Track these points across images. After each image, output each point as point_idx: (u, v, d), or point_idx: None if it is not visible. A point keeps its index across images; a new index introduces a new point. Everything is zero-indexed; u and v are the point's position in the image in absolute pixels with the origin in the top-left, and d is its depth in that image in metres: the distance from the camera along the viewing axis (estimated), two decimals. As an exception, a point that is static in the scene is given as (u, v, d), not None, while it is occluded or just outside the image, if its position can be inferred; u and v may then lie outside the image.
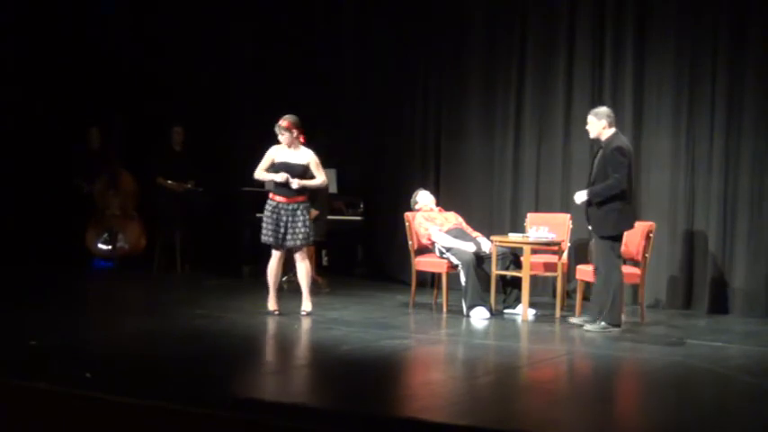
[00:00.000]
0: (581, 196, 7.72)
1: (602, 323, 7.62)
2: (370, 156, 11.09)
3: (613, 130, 7.75)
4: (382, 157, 11.02)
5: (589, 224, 7.83)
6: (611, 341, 7.47)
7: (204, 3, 11.79)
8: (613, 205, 7.58)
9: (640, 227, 8.39)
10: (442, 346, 7.42)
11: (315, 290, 8.82)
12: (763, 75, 8.82)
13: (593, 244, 7.88)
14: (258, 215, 10.48)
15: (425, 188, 9.51)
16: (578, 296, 8.41)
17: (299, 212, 7.95)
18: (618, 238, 7.70)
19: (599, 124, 7.74)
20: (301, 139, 8.06)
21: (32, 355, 6.20)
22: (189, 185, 11.08)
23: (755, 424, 5.17)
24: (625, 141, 7.85)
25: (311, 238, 8.08)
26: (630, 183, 7.74)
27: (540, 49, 9.95)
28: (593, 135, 7.85)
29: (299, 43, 11.32)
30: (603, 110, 7.85)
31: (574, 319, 8.02)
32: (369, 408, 5.18)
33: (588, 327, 7.69)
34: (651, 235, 8.21)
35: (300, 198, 8.00)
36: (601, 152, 7.72)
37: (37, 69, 11.58)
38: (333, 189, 10.59)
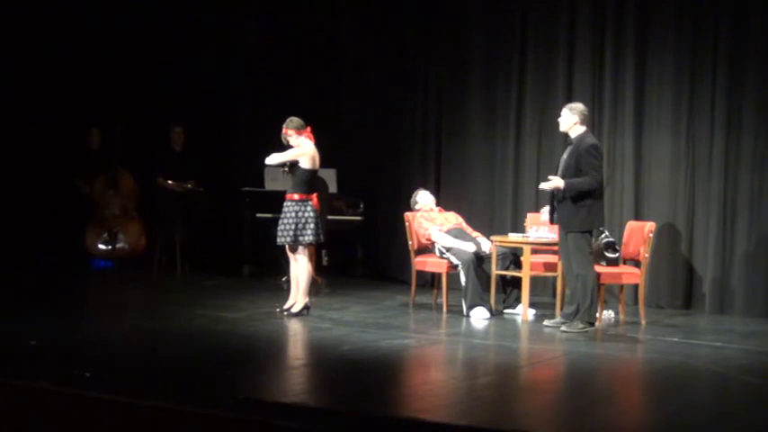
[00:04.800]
0: (556, 181, 7.64)
1: (580, 324, 7.61)
2: (370, 156, 11.09)
3: (584, 128, 7.77)
4: (382, 157, 11.02)
5: (553, 222, 7.85)
6: (611, 341, 7.48)
7: (204, 3, 11.79)
8: (584, 201, 7.59)
9: (640, 227, 8.41)
10: (442, 346, 7.42)
11: (315, 290, 8.83)
12: (764, 74, 8.82)
13: (562, 243, 7.85)
14: (258, 215, 10.54)
15: (425, 188, 9.52)
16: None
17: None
18: (587, 235, 7.71)
19: (571, 119, 7.75)
20: (306, 136, 8.07)
21: (32, 355, 6.20)
22: (189, 185, 11.08)
23: (755, 424, 5.16)
24: (596, 140, 7.91)
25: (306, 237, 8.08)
26: (602, 182, 7.78)
27: (540, 49, 9.95)
28: (563, 129, 7.85)
29: (299, 43, 11.32)
30: (578, 106, 7.85)
31: (547, 322, 7.97)
32: (369, 408, 5.17)
33: (565, 328, 7.66)
34: (651, 235, 8.21)
35: (303, 196, 8.04)
36: (570, 148, 7.74)
37: (37, 70, 11.58)
38: (333, 189, 10.60)
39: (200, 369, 6.04)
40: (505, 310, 8.66)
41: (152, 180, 11.06)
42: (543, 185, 7.79)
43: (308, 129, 8.09)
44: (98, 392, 5.21)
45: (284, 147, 8.09)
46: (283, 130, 8.05)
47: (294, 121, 8.07)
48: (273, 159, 8.06)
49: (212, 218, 11.16)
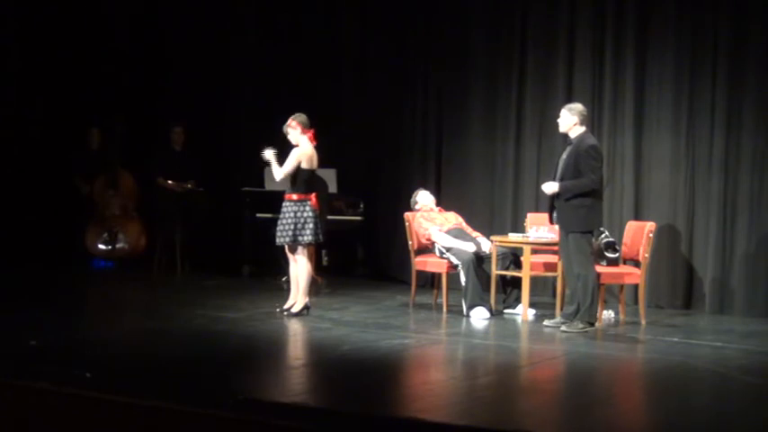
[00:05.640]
0: (551, 186, 7.69)
1: (580, 324, 7.61)
2: (370, 156, 11.09)
3: (584, 128, 7.76)
4: (382, 157, 11.01)
5: (552, 221, 7.85)
6: (611, 341, 7.48)
7: (205, 3, 11.79)
8: (583, 201, 7.58)
9: (640, 227, 8.41)
10: (442, 346, 7.42)
11: (315, 290, 8.83)
12: (764, 74, 8.82)
13: (562, 243, 7.85)
14: (258, 215, 10.55)
15: (425, 188, 9.52)
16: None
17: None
18: (588, 235, 7.71)
19: (570, 120, 7.74)
20: (308, 137, 8.06)
21: (32, 355, 6.20)
22: (189, 185, 11.08)
23: (755, 424, 5.17)
24: (596, 141, 7.90)
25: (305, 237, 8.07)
26: (602, 182, 7.78)
27: (540, 49, 9.95)
28: (563, 129, 7.85)
29: (299, 43, 11.32)
30: (577, 106, 7.85)
31: (547, 322, 7.96)
32: (369, 408, 5.18)
33: (565, 328, 7.65)
34: (651, 235, 8.21)
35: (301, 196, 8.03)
36: (570, 149, 7.73)
37: (37, 70, 11.58)
38: (333, 189, 10.60)
39: (200, 369, 6.04)
40: (505, 310, 8.66)
41: (152, 180, 11.06)
42: (545, 187, 7.79)
43: (312, 132, 8.08)
44: (98, 392, 5.21)
45: (283, 146, 8.09)
46: (288, 121, 8.03)
47: (302, 116, 8.06)
48: (279, 175, 8.04)
49: (212, 218, 11.16)
